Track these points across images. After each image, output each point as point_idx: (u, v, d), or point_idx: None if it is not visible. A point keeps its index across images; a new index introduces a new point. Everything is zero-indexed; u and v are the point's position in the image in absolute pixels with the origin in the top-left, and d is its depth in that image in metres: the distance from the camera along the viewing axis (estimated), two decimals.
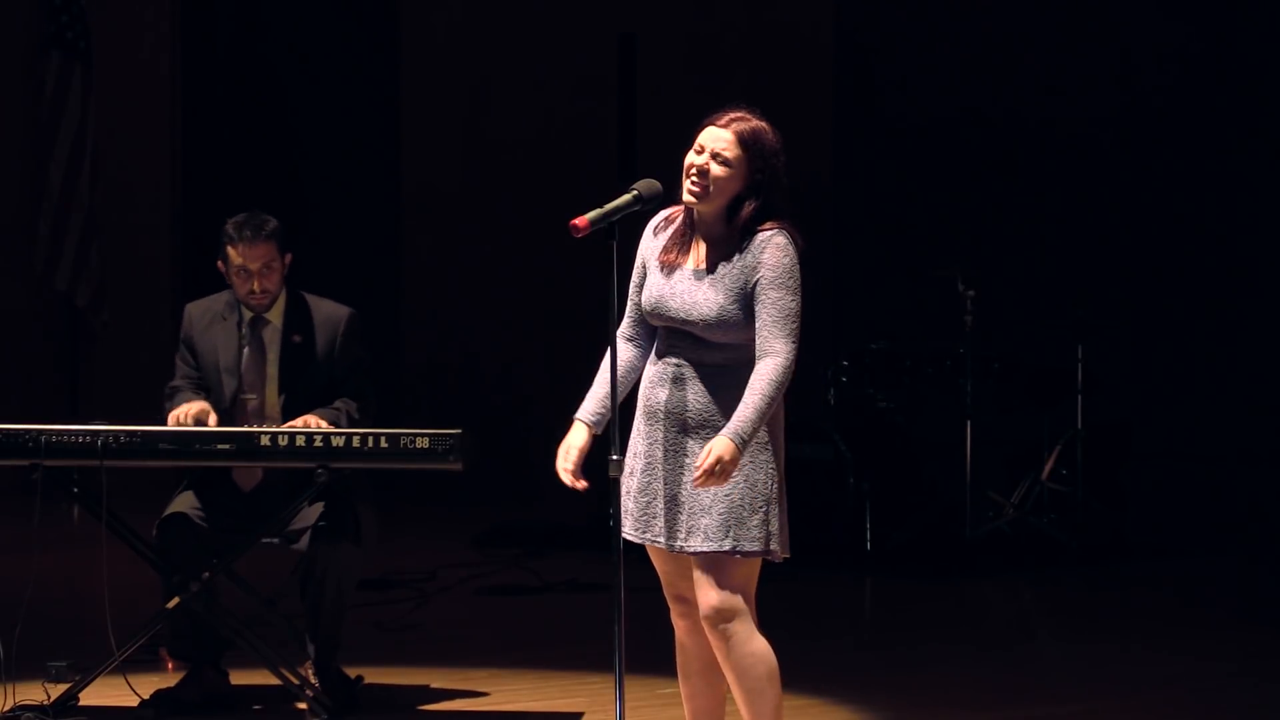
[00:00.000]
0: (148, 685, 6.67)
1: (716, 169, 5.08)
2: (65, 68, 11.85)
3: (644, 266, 5.24)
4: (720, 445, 4.97)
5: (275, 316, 6.76)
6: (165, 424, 6.54)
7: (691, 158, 5.12)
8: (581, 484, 5.16)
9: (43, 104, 11.89)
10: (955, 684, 7.21)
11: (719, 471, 4.97)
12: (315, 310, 6.79)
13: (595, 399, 5.24)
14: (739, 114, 5.15)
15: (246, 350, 6.75)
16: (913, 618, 8.72)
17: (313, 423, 6.47)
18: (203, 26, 12.62)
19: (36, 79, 11.91)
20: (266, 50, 12.68)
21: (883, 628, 8.74)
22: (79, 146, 11.90)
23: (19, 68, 12.07)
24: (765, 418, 5.02)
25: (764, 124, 5.14)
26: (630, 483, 5.19)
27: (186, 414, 6.50)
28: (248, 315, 6.76)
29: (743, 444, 4.98)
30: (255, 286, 6.70)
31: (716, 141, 5.10)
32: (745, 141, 5.09)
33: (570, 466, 5.16)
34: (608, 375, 5.18)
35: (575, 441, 5.20)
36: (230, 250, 6.71)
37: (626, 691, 5.16)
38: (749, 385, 5.03)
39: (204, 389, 6.73)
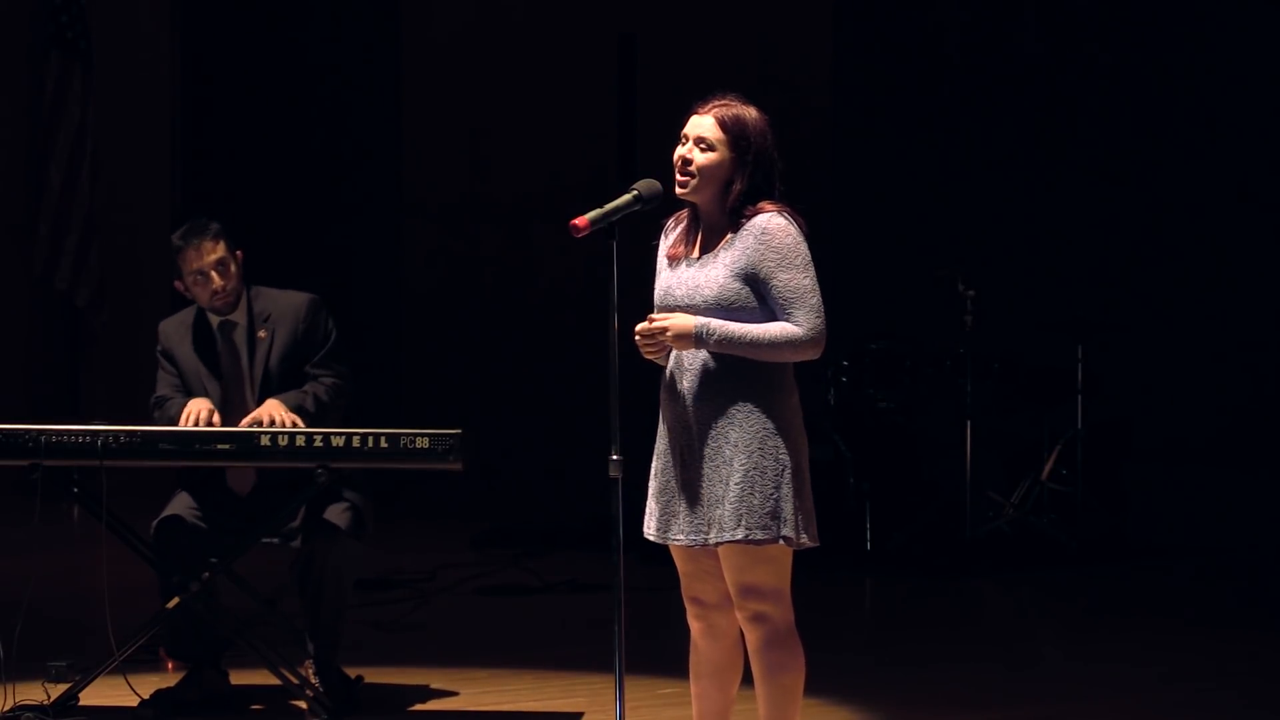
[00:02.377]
0: (148, 685, 6.67)
1: (700, 156, 5.09)
2: (65, 68, 11.85)
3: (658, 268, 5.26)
4: (677, 319, 5.01)
5: (240, 316, 6.78)
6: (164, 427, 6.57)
7: (678, 150, 5.13)
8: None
9: (43, 104, 11.89)
10: (955, 684, 7.21)
11: (652, 333, 5.00)
12: (276, 302, 6.80)
13: None
14: (722, 100, 5.14)
15: (222, 356, 6.75)
16: (913, 618, 8.71)
17: (277, 414, 6.45)
18: (203, 26, 12.62)
19: (36, 79, 11.91)
20: (266, 50, 12.68)
21: (883, 628, 8.73)
22: (79, 146, 11.89)
23: (19, 68, 12.06)
24: (745, 343, 4.98)
25: (748, 107, 5.13)
26: (653, 484, 5.20)
27: (197, 415, 6.49)
28: (215, 322, 6.77)
29: (702, 333, 4.98)
30: (216, 285, 6.69)
31: (699, 128, 5.11)
32: (727, 125, 5.08)
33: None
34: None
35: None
36: (182, 261, 6.71)
37: (626, 691, 5.16)
38: None
39: (189, 396, 6.72)
